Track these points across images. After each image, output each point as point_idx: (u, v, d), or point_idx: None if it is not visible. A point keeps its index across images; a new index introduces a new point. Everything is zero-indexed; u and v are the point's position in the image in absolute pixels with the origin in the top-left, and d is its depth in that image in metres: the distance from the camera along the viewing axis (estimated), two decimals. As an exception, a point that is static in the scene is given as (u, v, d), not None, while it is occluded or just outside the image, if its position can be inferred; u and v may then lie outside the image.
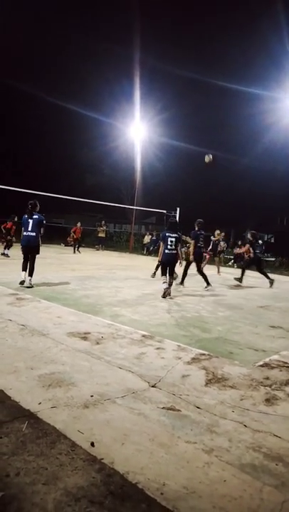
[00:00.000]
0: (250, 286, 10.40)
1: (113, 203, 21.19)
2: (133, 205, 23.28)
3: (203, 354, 3.95)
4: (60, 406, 2.56)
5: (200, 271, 9.01)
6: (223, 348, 4.25)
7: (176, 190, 29.00)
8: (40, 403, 2.57)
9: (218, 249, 13.92)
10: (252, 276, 13.63)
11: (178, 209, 19.21)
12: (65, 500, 1.69)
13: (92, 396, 2.75)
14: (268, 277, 10.67)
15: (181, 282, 9.14)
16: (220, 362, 3.76)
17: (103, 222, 22.26)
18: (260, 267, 11.13)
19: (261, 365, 3.76)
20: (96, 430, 2.28)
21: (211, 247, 13.52)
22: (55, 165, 30.91)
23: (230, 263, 18.30)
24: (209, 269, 11.88)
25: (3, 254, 12.87)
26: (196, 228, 9.00)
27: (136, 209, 23.23)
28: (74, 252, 17.68)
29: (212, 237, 13.61)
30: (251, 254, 11.20)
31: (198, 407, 2.71)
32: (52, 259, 13.05)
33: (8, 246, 13.15)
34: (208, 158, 14.48)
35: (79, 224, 18.66)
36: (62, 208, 28.67)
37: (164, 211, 19.35)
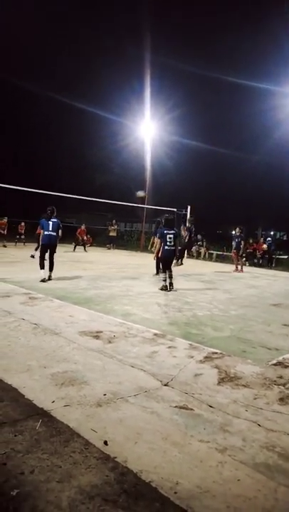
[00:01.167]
0: (262, 285, 10.30)
1: (123, 202, 21.21)
2: (143, 204, 23.27)
3: (216, 353, 3.93)
4: (73, 404, 2.58)
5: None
6: (235, 347, 4.22)
7: (186, 189, 28.88)
8: (53, 401, 2.59)
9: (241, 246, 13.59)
10: (265, 274, 13.54)
11: (188, 207, 19.15)
12: (79, 498, 1.70)
13: (104, 395, 2.76)
14: (179, 259, 11.05)
15: (157, 273, 9.78)
16: (232, 361, 3.74)
17: (114, 221, 22.31)
18: (187, 248, 11.79)
19: (274, 364, 3.73)
20: (109, 429, 2.29)
21: (235, 245, 13.33)
22: (65, 165, 31.12)
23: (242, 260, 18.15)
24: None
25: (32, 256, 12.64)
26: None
27: (146, 208, 23.22)
28: (74, 250, 17.71)
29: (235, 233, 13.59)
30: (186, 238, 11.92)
31: (211, 406, 2.70)
32: (63, 258, 13.12)
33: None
34: (142, 193, 16.28)
35: (83, 226, 18.84)
36: (73, 208, 28.83)
37: (175, 209, 19.28)
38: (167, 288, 7.68)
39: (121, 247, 22.82)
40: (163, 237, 7.78)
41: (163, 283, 7.74)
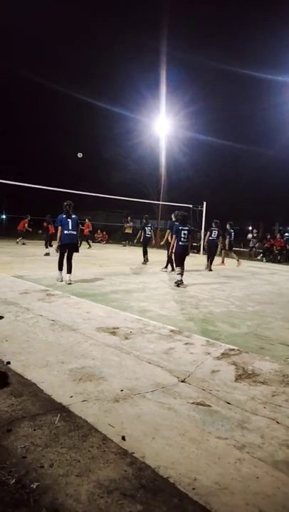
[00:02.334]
0: (280, 281, 10.15)
1: (139, 199, 21.22)
2: (159, 201, 23.22)
3: (233, 349, 3.90)
4: (91, 400, 2.60)
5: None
6: (253, 344, 4.18)
7: (202, 185, 28.69)
8: (71, 397, 2.62)
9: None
10: (283, 270, 13.32)
11: (204, 203, 19.02)
12: (97, 492, 1.72)
13: (122, 390, 2.77)
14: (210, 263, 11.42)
15: (166, 267, 10.39)
16: (250, 357, 3.70)
17: (129, 218, 22.35)
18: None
19: (293, 361, 3.67)
20: (127, 424, 2.30)
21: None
22: (80, 163, 31.31)
23: (259, 257, 17.95)
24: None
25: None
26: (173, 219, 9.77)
27: (162, 204, 23.16)
28: (86, 245, 17.36)
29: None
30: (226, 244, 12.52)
31: (228, 403, 2.68)
32: (79, 255, 13.21)
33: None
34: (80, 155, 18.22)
35: (87, 220, 18.36)
36: (89, 206, 29.03)
37: (190, 206, 19.18)
38: (183, 282, 7.74)
39: (137, 244, 22.82)
40: (177, 233, 7.87)
41: (178, 277, 7.77)
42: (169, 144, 23.85)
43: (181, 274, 7.80)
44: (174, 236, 8.00)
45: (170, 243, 9.44)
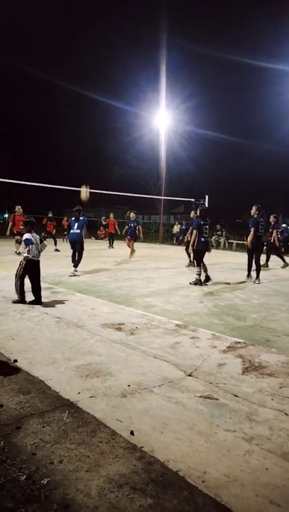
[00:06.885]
0: (284, 273, 10.11)
1: (140, 194, 21.17)
2: (160, 196, 23.17)
3: (239, 342, 3.90)
4: (99, 395, 2.61)
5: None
6: (259, 336, 4.17)
7: (203, 178, 28.57)
8: (79, 393, 2.63)
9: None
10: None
11: (206, 197, 18.95)
12: (108, 486, 1.72)
13: (129, 386, 2.78)
14: (283, 260, 11.21)
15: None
16: (256, 350, 3.69)
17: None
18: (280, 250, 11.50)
19: (300, 353, 3.66)
20: (135, 419, 2.31)
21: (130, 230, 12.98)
22: (82, 159, 31.28)
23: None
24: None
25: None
26: (256, 215, 8.20)
27: (164, 199, 23.09)
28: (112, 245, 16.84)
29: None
30: (276, 239, 11.45)
31: (236, 396, 2.68)
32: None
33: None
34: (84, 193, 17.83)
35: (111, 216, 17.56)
36: (92, 202, 28.97)
37: (193, 199, 19.13)
38: (201, 282, 7.35)
39: (140, 240, 22.78)
40: (199, 228, 7.38)
41: (197, 277, 7.37)
42: (168, 138, 23.75)
43: (200, 273, 7.37)
44: (195, 232, 7.43)
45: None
